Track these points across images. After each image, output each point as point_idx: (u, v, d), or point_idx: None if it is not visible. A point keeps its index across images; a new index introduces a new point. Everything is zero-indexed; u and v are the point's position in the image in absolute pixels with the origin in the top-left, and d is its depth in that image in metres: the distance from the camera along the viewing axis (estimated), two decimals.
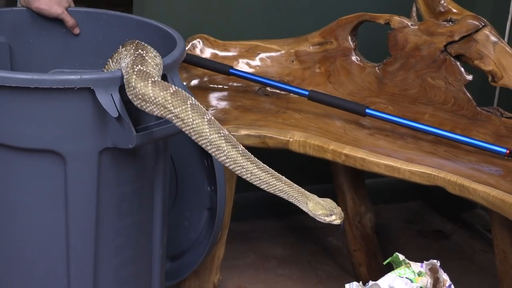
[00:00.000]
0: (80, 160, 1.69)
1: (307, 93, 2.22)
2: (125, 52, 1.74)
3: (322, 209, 1.79)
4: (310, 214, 1.80)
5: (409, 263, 1.60)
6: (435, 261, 1.59)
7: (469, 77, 2.23)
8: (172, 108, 1.62)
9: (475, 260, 2.70)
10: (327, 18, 2.41)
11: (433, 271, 1.58)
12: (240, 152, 1.70)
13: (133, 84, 1.62)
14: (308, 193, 1.80)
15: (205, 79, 2.39)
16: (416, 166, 1.99)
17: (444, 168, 1.98)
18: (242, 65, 2.41)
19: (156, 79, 1.64)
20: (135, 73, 1.63)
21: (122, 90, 1.65)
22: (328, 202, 1.80)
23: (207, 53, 2.41)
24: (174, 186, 2.13)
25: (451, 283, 1.57)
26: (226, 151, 1.67)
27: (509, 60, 2.16)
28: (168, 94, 1.62)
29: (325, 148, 2.06)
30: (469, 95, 2.23)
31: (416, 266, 1.60)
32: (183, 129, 1.64)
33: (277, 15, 2.62)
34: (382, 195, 2.92)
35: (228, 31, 2.51)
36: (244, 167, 1.71)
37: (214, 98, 2.34)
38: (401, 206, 3.00)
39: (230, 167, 1.70)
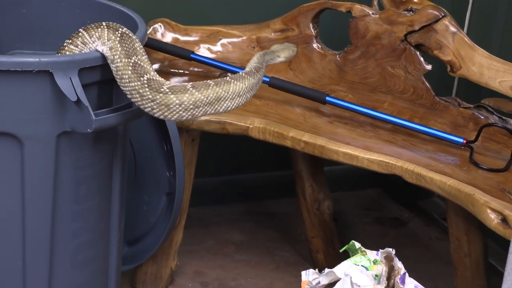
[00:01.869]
0: (38, 144, 1.67)
1: (267, 79, 2.22)
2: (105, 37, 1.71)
3: (288, 51, 1.98)
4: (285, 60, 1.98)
5: (364, 251, 1.61)
6: (391, 249, 1.60)
7: (428, 67, 2.25)
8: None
9: (431, 247, 2.73)
10: (289, 5, 2.41)
11: (388, 259, 1.60)
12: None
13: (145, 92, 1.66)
14: (268, 53, 1.94)
15: (166, 63, 2.38)
16: (374, 154, 2.00)
17: (402, 157, 2.00)
18: (203, 50, 2.40)
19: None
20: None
21: (81, 73, 1.64)
22: (283, 46, 2.00)
23: (168, 37, 2.40)
24: (133, 171, 2.12)
25: (405, 271, 1.59)
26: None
27: (467, 51, 2.18)
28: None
29: (284, 135, 2.06)
30: (428, 85, 2.25)
31: (371, 254, 1.61)
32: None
33: (239, 0, 2.62)
34: (341, 182, 2.94)
35: (190, 16, 2.50)
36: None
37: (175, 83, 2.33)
38: (359, 193, 3.02)
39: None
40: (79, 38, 1.74)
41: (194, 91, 1.67)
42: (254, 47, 2.42)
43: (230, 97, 1.73)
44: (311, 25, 2.38)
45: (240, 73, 1.78)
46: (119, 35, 1.70)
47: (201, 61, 2.30)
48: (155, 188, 2.11)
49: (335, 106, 2.18)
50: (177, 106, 1.66)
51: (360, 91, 2.32)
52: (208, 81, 1.71)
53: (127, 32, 1.71)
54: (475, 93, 2.37)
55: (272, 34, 2.42)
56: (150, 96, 1.66)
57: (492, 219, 1.80)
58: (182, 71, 2.38)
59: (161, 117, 1.67)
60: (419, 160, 2.00)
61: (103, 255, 1.91)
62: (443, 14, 2.21)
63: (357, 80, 2.34)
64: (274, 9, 2.46)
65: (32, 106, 1.63)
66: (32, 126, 1.65)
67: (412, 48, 2.25)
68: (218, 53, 2.42)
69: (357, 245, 1.63)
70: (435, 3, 2.26)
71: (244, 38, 2.43)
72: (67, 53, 1.74)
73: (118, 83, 1.69)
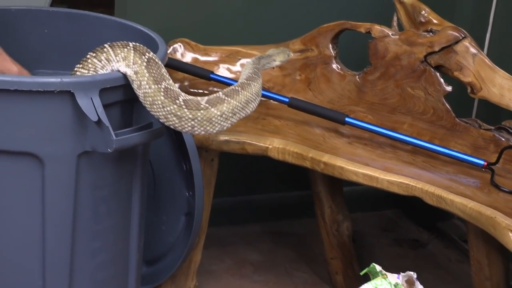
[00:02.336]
0: (58, 163, 1.68)
1: (287, 100, 2.22)
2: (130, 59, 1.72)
3: (283, 55, 2.03)
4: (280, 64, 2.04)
5: (385, 274, 1.60)
6: (412, 273, 1.59)
7: (449, 88, 2.24)
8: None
9: (451, 270, 2.71)
10: (308, 25, 2.42)
11: (409, 282, 1.59)
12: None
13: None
14: (264, 57, 2.00)
15: (186, 83, 2.38)
16: (394, 176, 1.99)
17: (422, 179, 1.99)
18: (222, 70, 2.41)
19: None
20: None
21: (102, 93, 1.65)
22: (279, 50, 2.05)
23: (188, 57, 2.40)
24: (152, 190, 2.12)
25: None
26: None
27: (488, 72, 2.17)
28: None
29: (304, 155, 2.06)
30: (448, 106, 2.24)
31: (392, 278, 1.60)
32: None
33: (259, 21, 2.62)
34: (359, 203, 2.92)
35: (210, 36, 2.51)
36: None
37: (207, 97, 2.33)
38: (377, 214, 3.00)
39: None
40: (104, 54, 1.74)
41: (229, 99, 1.73)
42: (273, 67, 2.42)
43: (254, 98, 1.79)
44: (330, 45, 2.38)
45: (247, 76, 1.84)
46: (145, 60, 1.70)
47: (221, 81, 2.30)
48: (174, 208, 2.11)
49: (354, 127, 2.17)
50: (219, 117, 1.71)
51: (380, 112, 2.31)
52: (223, 91, 1.76)
53: (153, 58, 1.71)
54: (495, 114, 2.36)
55: (292, 54, 2.42)
56: (190, 116, 1.69)
57: None
58: (202, 91, 2.38)
59: (202, 132, 1.72)
60: (440, 182, 1.99)
61: (122, 275, 1.91)
62: (463, 35, 2.20)
63: (376, 101, 2.33)
64: (293, 29, 2.46)
65: (53, 126, 1.63)
66: (53, 146, 1.66)
67: (432, 69, 2.25)
68: (238, 73, 2.42)
69: (378, 268, 1.62)
70: (455, 24, 2.26)
71: None
72: (90, 65, 1.74)
73: (148, 109, 1.71)
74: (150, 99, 1.69)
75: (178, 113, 1.69)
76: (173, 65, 2.30)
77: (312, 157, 2.05)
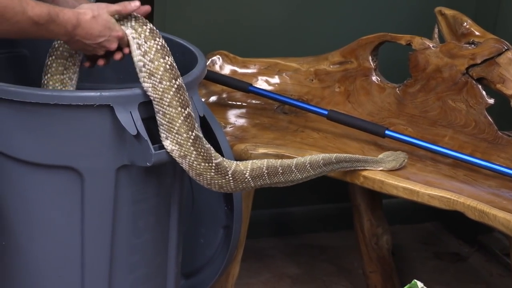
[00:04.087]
0: (98, 177, 1.68)
1: (326, 112, 2.21)
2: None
3: (393, 163, 2.03)
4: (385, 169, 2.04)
5: None
6: None
7: (491, 101, 2.21)
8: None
9: (492, 284, 2.68)
10: (348, 37, 2.41)
11: None
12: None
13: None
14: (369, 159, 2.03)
15: (224, 95, 2.38)
16: (435, 190, 1.97)
17: (463, 193, 1.96)
18: (261, 83, 2.41)
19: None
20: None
21: (141, 107, 1.65)
22: (387, 155, 2.05)
23: (227, 69, 2.41)
24: (190, 203, 2.12)
25: None
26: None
27: None
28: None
29: None
30: (490, 119, 2.22)
31: None
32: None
33: (297, 32, 2.62)
34: (399, 215, 2.90)
35: (248, 48, 2.51)
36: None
37: (232, 115, 2.33)
38: (417, 227, 2.98)
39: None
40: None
41: (270, 178, 1.87)
42: (312, 80, 2.42)
43: (289, 183, 1.93)
44: (370, 57, 2.37)
45: (297, 162, 1.93)
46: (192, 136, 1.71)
47: (259, 93, 2.30)
48: (212, 221, 2.10)
49: (394, 140, 2.15)
50: (255, 187, 1.87)
51: (420, 124, 2.29)
52: (268, 165, 1.86)
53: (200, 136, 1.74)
54: None
55: (331, 66, 2.41)
56: (233, 187, 1.81)
57: None
58: (240, 103, 2.39)
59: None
60: (482, 196, 1.96)
61: None
62: (506, 48, 2.18)
63: (417, 113, 2.31)
64: (333, 41, 2.46)
65: (93, 139, 1.64)
66: (92, 159, 1.67)
67: (474, 82, 2.22)
68: (276, 85, 2.42)
69: (420, 284, 1.60)
70: (497, 36, 2.23)
71: (302, 70, 2.43)
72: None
73: (193, 178, 1.77)
74: (200, 175, 1.76)
75: (224, 185, 1.78)
76: (212, 78, 2.31)
77: (351, 170, 2.03)
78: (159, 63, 1.67)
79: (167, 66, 1.67)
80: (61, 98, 1.59)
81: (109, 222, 1.73)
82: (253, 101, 2.39)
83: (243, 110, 2.36)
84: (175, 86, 1.66)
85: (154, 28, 1.72)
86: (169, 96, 1.66)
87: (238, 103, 2.39)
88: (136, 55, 1.68)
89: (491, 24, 2.53)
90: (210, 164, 1.73)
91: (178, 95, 1.67)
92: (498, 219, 1.87)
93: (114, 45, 1.69)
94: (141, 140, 1.64)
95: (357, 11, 2.63)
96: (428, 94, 2.30)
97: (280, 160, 1.89)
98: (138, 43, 1.68)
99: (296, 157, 2.07)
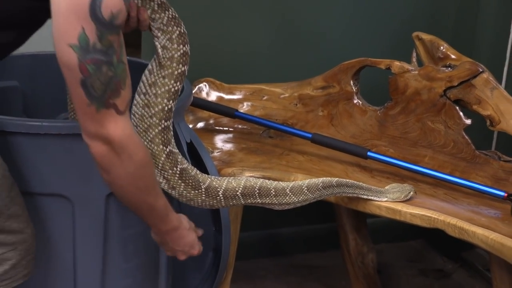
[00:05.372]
0: (87, 204, 1.69)
1: (310, 136, 2.22)
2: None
3: (398, 194, 1.99)
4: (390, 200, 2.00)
5: None
6: None
7: (468, 121, 2.23)
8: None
9: None
10: (330, 62, 2.42)
11: None
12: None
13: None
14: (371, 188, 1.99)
15: (211, 121, 2.39)
16: (416, 208, 1.98)
17: (444, 211, 1.97)
18: (247, 108, 2.42)
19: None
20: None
21: None
22: (393, 186, 2.01)
23: (213, 96, 2.42)
24: None
25: None
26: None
27: (506, 105, 2.16)
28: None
29: None
30: (468, 139, 2.23)
31: None
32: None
33: (281, 59, 2.63)
34: (384, 234, 2.91)
35: (233, 74, 2.52)
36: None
37: (219, 140, 2.34)
38: (402, 245, 2.98)
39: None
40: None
41: (262, 198, 1.84)
42: (296, 104, 2.43)
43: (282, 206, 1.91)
44: (351, 82, 2.38)
45: (293, 185, 1.88)
46: (178, 171, 1.71)
47: (245, 118, 2.31)
48: (201, 244, 2.10)
49: (377, 161, 2.16)
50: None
51: (401, 145, 2.30)
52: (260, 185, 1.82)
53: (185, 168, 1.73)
54: None
55: (314, 91, 2.42)
56: (224, 204, 1.80)
57: None
58: (227, 128, 2.40)
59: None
60: (461, 214, 1.97)
61: None
62: (481, 70, 2.19)
63: (397, 135, 2.33)
64: (316, 67, 2.47)
65: (82, 168, 1.65)
66: (82, 187, 1.67)
67: (452, 103, 2.24)
68: (262, 110, 2.43)
69: None
70: (473, 59, 2.25)
71: (286, 95, 2.44)
72: None
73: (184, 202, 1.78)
74: (191, 200, 1.76)
75: (216, 204, 1.78)
76: (199, 104, 2.32)
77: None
78: None
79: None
80: (50, 128, 1.60)
81: (100, 246, 1.74)
82: (240, 126, 2.39)
83: (230, 135, 2.37)
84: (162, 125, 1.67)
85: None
86: (152, 133, 1.66)
87: (225, 128, 2.40)
88: None
89: (468, 48, 2.55)
90: (199, 190, 1.74)
91: (163, 133, 1.67)
92: (477, 235, 1.88)
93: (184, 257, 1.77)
94: None
95: (338, 37, 2.65)
96: (408, 116, 2.32)
97: (275, 182, 1.86)
98: None
99: (282, 180, 2.08)
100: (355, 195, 1.97)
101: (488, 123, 2.19)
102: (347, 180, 1.96)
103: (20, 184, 1.63)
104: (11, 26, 1.52)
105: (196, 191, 1.73)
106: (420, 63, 2.32)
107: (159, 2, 1.60)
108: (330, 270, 2.78)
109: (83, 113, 1.44)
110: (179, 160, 1.70)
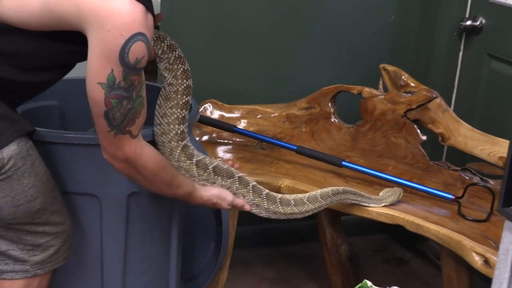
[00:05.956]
0: (112, 201, 1.70)
1: (295, 148, 2.22)
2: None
3: (392, 197, 1.97)
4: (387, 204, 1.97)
5: None
6: (396, 287, 1.58)
7: (424, 137, 2.24)
8: None
9: (428, 282, 2.67)
10: (312, 87, 2.42)
11: None
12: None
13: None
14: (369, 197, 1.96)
15: (214, 135, 2.39)
16: (381, 208, 1.99)
17: (404, 210, 1.99)
18: (243, 124, 2.42)
19: None
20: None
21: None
22: (385, 191, 1.98)
23: (216, 114, 2.42)
24: (188, 220, 2.12)
25: None
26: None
27: (455, 125, 2.18)
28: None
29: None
30: (423, 152, 2.24)
31: None
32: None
33: (273, 84, 2.62)
34: (355, 229, 2.91)
35: (233, 97, 2.52)
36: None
37: (221, 151, 2.34)
38: (369, 238, 2.97)
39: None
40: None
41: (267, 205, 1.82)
42: (284, 122, 2.43)
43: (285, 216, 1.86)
44: (329, 104, 2.39)
45: (309, 196, 1.86)
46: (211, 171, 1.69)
47: (242, 133, 2.31)
48: (205, 236, 2.10)
49: (349, 169, 2.17)
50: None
51: (370, 156, 2.31)
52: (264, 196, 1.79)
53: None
54: (461, 158, 2.35)
55: (299, 111, 2.42)
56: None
57: (476, 261, 1.78)
58: (227, 141, 2.40)
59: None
60: (418, 213, 1.98)
61: None
62: (435, 96, 2.21)
63: (367, 148, 2.34)
64: (300, 91, 2.47)
65: (107, 172, 1.64)
66: (108, 188, 1.68)
67: (411, 123, 2.25)
68: (255, 126, 2.43)
69: (369, 283, 1.61)
70: (428, 86, 2.26)
71: (276, 114, 2.44)
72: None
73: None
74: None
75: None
76: (204, 121, 2.32)
77: None
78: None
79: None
80: (81, 139, 1.62)
81: (123, 236, 1.74)
82: (237, 140, 2.40)
83: (229, 147, 2.37)
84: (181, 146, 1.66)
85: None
86: (176, 154, 1.65)
87: (225, 141, 2.40)
88: None
89: (424, 77, 2.56)
90: (234, 179, 1.72)
91: (184, 151, 1.66)
92: (430, 230, 1.89)
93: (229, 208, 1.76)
94: None
95: (319, 68, 2.64)
96: (375, 132, 2.33)
97: (294, 195, 1.84)
98: None
99: (272, 183, 2.09)
100: (357, 202, 1.95)
101: (440, 139, 2.21)
102: (351, 189, 1.95)
103: (59, 185, 1.64)
104: (57, 67, 1.54)
105: (232, 179, 1.72)
106: (385, 89, 2.33)
107: (169, 44, 1.61)
108: (310, 258, 2.77)
109: (103, 137, 1.47)
110: (207, 162, 1.68)
